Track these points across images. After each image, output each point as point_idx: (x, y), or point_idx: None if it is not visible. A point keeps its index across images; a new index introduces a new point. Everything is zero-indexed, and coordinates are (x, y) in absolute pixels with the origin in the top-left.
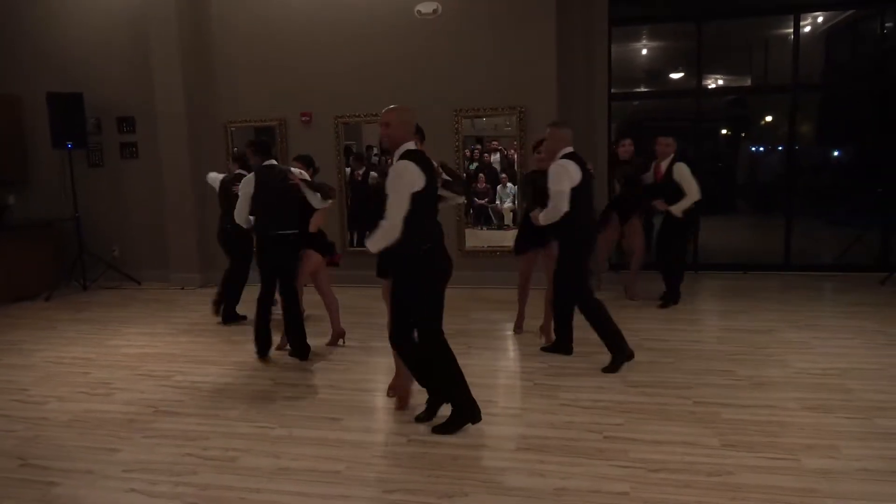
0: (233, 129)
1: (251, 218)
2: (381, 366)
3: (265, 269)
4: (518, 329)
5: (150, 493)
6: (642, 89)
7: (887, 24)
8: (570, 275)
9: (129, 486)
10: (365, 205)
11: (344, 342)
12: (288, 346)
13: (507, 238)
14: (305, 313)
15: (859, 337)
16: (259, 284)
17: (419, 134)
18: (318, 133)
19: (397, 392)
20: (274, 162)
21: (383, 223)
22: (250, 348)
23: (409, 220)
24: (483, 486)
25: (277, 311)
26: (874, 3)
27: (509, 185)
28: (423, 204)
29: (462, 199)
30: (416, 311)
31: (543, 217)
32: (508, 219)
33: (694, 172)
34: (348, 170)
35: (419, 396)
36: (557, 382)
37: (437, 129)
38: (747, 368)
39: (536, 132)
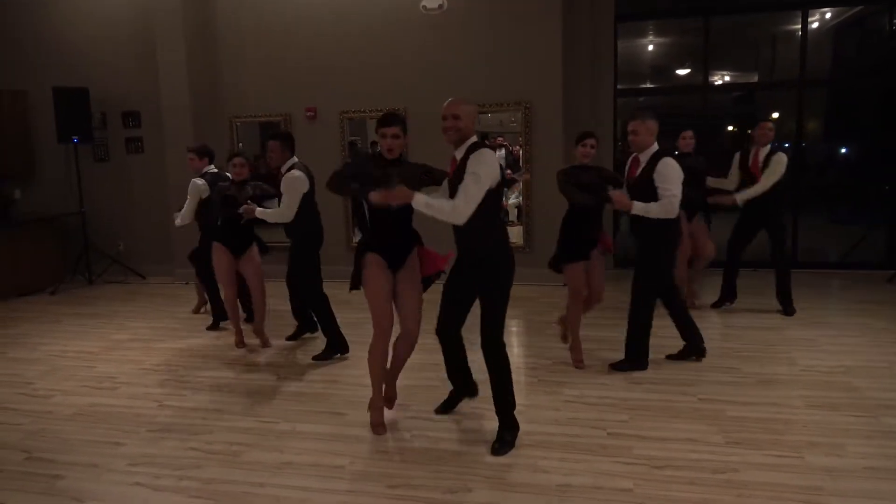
0: (238, 123)
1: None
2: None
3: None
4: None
5: (155, 486)
6: (648, 85)
7: None
8: (659, 272)
9: (133, 480)
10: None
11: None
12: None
13: (513, 234)
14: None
15: (866, 335)
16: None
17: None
18: (322, 128)
19: (387, 395)
20: (296, 159)
21: (457, 202)
22: (254, 342)
23: (489, 216)
24: (486, 482)
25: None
26: (882, 0)
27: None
28: (496, 201)
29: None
30: (502, 311)
31: (658, 209)
32: (513, 215)
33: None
34: None
35: (402, 397)
36: (561, 379)
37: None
38: (753, 366)
39: (542, 128)
